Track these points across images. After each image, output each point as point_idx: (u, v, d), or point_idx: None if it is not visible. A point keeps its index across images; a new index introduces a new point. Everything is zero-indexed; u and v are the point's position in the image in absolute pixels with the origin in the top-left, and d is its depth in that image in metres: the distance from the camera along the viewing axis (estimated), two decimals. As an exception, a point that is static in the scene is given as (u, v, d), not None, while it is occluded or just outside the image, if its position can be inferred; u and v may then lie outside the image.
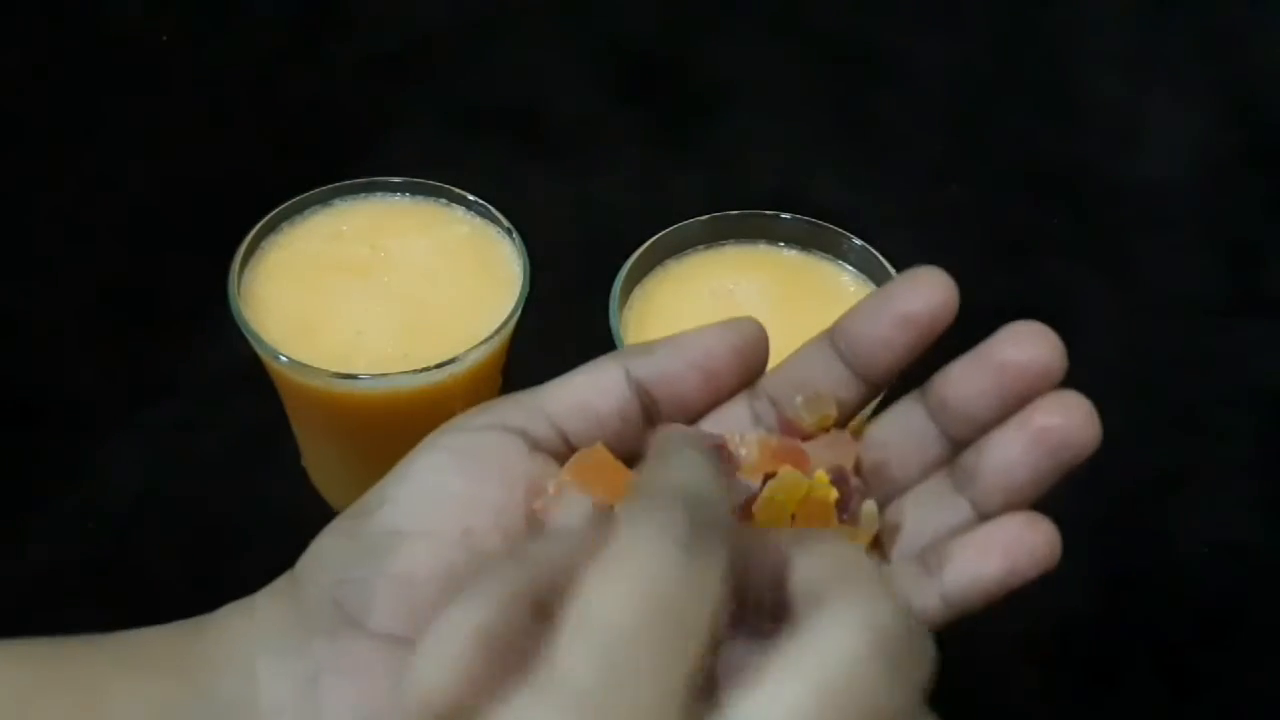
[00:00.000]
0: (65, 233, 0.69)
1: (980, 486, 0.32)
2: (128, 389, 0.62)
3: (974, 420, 0.32)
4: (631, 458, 0.33)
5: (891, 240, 0.52)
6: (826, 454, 0.33)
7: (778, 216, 0.53)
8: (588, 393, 0.34)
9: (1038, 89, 0.82)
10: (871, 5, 0.86)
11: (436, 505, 0.32)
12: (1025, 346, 0.31)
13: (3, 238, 0.68)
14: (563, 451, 0.34)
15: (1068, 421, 0.30)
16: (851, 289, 0.51)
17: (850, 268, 0.52)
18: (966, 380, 0.32)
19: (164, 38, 0.80)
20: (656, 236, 0.51)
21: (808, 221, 0.53)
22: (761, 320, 0.36)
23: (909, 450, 0.33)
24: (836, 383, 0.34)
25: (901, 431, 0.34)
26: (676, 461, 0.26)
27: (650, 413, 0.34)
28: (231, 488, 0.58)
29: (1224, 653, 0.57)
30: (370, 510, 0.33)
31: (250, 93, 0.78)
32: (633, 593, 0.23)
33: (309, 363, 0.48)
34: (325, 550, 0.33)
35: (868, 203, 0.71)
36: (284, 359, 0.48)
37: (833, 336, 0.34)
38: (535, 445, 0.33)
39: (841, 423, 0.34)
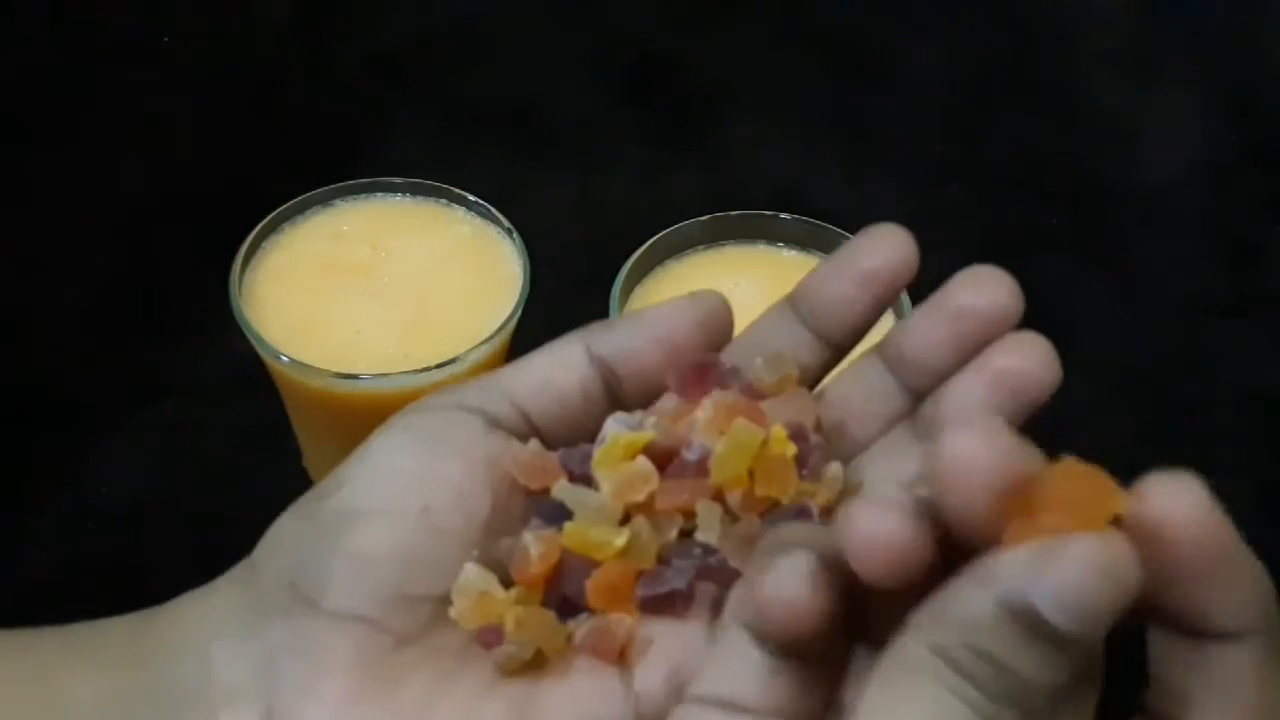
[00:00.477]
0: (65, 233, 0.69)
1: None
2: (128, 389, 0.62)
3: (933, 370, 0.31)
4: (593, 436, 0.33)
5: (891, 240, 0.52)
6: (785, 410, 0.32)
7: (777, 217, 0.53)
8: (549, 370, 0.34)
9: (1038, 89, 0.82)
10: (871, 6, 0.86)
11: (394, 484, 0.32)
12: (980, 291, 0.31)
13: (3, 238, 0.68)
14: (524, 430, 0.33)
15: (1026, 362, 0.30)
16: (851, 289, 0.51)
17: (850, 268, 0.52)
18: (922, 330, 0.31)
19: (165, 39, 0.80)
20: (656, 236, 0.51)
21: (807, 222, 0.53)
22: (761, 321, 0.36)
23: (870, 406, 0.33)
24: (799, 346, 0.33)
25: (861, 388, 0.33)
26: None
27: (613, 389, 0.34)
28: (231, 488, 0.58)
29: (1224, 653, 0.56)
30: (328, 492, 0.33)
31: (251, 93, 0.78)
32: None
33: (310, 363, 0.48)
34: (282, 532, 0.33)
35: (868, 203, 0.71)
36: (285, 359, 0.48)
37: (793, 302, 0.34)
38: (495, 423, 0.33)
39: (806, 387, 0.34)
